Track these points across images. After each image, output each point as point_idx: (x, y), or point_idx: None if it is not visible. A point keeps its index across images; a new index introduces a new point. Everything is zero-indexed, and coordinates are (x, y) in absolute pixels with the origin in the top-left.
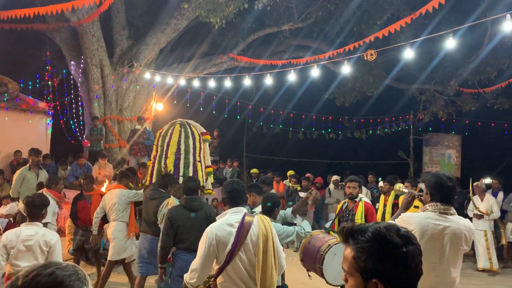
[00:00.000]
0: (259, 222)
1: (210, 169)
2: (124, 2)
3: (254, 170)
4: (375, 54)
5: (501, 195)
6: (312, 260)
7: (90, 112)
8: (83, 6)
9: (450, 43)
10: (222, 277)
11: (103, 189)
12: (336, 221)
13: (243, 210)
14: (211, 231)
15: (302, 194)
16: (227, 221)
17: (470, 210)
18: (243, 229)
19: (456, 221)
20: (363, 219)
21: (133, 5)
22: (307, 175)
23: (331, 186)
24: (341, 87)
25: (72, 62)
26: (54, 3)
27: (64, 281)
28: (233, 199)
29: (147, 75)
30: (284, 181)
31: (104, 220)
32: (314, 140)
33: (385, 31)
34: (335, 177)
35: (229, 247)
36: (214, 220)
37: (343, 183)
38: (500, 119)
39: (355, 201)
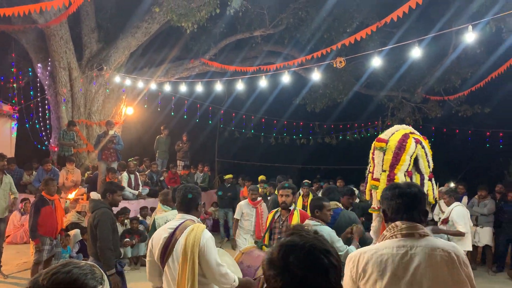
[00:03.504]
0: (189, 231)
1: None
2: (94, 5)
3: (229, 176)
4: (344, 61)
5: (465, 199)
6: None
7: (57, 115)
8: (51, 8)
9: (416, 52)
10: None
11: (71, 196)
12: (267, 234)
13: (186, 217)
14: (153, 235)
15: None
16: (168, 225)
17: (436, 214)
18: (173, 236)
19: (429, 244)
20: None
21: (103, 8)
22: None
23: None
24: (311, 93)
25: (38, 65)
26: (21, 4)
27: (79, 279)
28: (182, 205)
29: (117, 79)
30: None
31: (67, 228)
32: (285, 145)
33: (352, 38)
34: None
35: (157, 253)
36: None
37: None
38: (464, 126)
39: (289, 210)
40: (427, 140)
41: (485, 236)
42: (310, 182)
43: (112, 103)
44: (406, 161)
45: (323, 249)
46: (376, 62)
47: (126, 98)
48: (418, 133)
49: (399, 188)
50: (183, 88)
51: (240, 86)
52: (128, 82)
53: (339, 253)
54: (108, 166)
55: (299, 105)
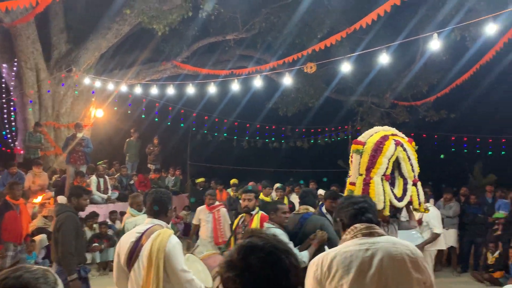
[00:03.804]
0: (155, 237)
1: None
2: (63, 5)
3: (201, 179)
4: (315, 66)
5: (431, 202)
6: None
7: (24, 117)
8: (17, 7)
9: (384, 58)
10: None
11: (37, 200)
12: (232, 238)
13: (155, 222)
14: (121, 239)
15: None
16: (136, 230)
17: (404, 217)
18: (140, 241)
19: (389, 240)
20: None
21: (73, 8)
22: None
23: (274, 194)
24: (283, 97)
25: (4, 65)
26: None
27: (31, 283)
28: (151, 210)
29: (87, 80)
30: (227, 190)
31: (32, 233)
32: (258, 148)
33: (322, 44)
34: (277, 185)
35: (124, 258)
36: None
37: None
38: (431, 131)
39: (251, 214)
40: (413, 142)
41: (450, 237)
42: (283, 185)
43: (81, 105)
44: (383, 164)
45: (283, 250)
46: (346, 67)
47: (96, 100)
48: (402, 135)
49: (354, 197)
50: (154, 90)
51: (212, 89)
52: (98, 83)
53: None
54: (77, 169)
55: (272, 109)
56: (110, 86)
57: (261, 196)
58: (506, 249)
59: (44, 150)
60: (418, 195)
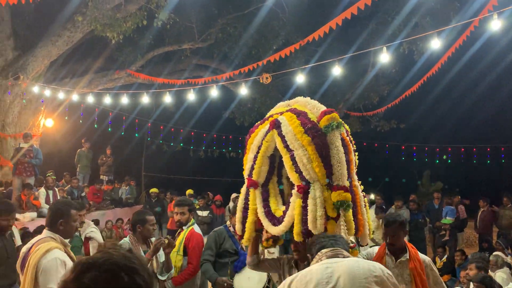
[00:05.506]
0: (34, 250)
1: None
2: (10, 10)
3: (153, 190)
4: (270, 77)
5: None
6: None
7: None
8: None
9: (337, 70)
10: None
11: None
12: None
13: (48, 234)
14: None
15: (200, 213)
16: (33, 240)
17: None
18: (29, 252)
19: (354, 260)
20: (181, 251)
21: (20, 14)
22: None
23: (231, 204)
24: (240, 107)
25: None
26: None
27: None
28: (46, 221)
29: (35, 89)
30: None
31: None
32: (215, 158)
33: (277, 55)
34: (234, 195)
35: (18, 266)
36: None
37: None
38: (382, 140)
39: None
40: (331, 114)
41: None
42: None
43: (30, 114)
44: (248, 163)
45: (127, 267)
46: (300, 78)
47: (45, 109)
48: (313, 108)
49: (322, 234)
50: (107, 99)
51: (168, 98)
52: (47, 92)
53: None
54: (24, 181)
55: (228, 119)
56: (61, 95)
57: None
58: (452, 253)
59: None
60: (304, 207)
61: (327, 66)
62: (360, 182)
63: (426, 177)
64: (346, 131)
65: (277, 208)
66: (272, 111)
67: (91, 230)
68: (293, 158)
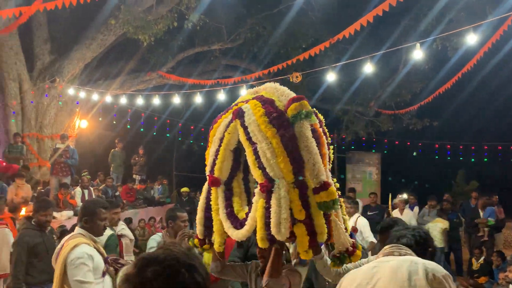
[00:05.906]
0: (65, 246)
1: None
2: (47, 16)
3: (184, 189)
4: (300, 76)
5: (416, 209)
6: None
7: (6, 129)
8: (0, 17)
9: (368, 68)
10: None
11: (22, 213)
12: None
13: (78, 231)
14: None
15: None
16: (66, 237)
17: None
18: (62, 248)
19: (403, 259)
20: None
21: (57, 19)
22: None
23: None
24: None
25: None
26: None
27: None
28: (78, 217)
29: (71, 91)
30: None
31: None
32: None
33: (306, 54)
34: None
35: (53, 261)
36: None
37: None
38: (414, 139)
39: None
40: (301, 102)
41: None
42: None
43: (65, 116)
44: (209, 158)
45: (187, 264)
46: (331, 77)
47: (80, 111)
48: (283, 94)
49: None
50: (139, 100)
51: (198, 99)
52: (82, 94)
53: None
54: (60, 181)
55: None
56: (95, 97)
57: None
58: (490, 254)
59: (26, 162)
60: (265, 216)
61: (357, 64)
62: (390, 179)
63: (461, 176)
64: (320, 121)
65: (240, 209)
66: (239, 99)
67: (121, 228)
68: (256, 152)
